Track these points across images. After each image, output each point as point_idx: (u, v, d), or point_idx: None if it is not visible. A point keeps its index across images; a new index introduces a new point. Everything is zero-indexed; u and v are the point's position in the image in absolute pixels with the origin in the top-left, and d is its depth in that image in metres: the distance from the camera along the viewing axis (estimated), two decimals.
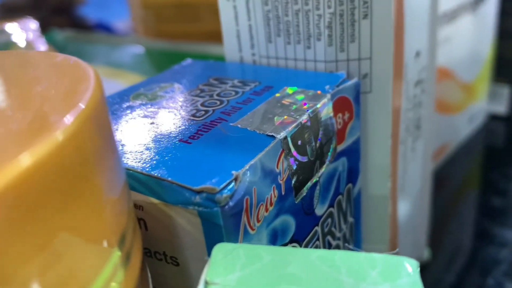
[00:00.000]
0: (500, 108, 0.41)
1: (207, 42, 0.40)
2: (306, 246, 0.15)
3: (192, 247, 0.12)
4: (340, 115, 0.16)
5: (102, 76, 0.36)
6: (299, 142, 0.14)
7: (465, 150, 0.37)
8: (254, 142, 0.13)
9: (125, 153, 0.13)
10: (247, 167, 0.12)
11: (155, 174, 0.12)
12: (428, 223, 0.25)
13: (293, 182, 0.14)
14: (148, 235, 0.13)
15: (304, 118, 0.14)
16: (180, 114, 0.15)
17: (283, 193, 0.14)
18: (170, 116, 0.15)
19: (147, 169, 0.12)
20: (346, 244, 0.18)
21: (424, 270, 0.25)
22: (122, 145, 0.14)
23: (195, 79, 0.18)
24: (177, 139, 0.14)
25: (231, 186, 0.12)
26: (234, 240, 0.12)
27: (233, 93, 0.17)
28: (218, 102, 0.16)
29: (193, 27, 0.43)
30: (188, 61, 0.21)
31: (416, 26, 0.19)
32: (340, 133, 0.16)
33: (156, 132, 0.14)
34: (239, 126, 0.14)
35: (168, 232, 0.13)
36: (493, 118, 0.41)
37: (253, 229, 0.12)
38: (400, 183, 0.20)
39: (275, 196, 0.13)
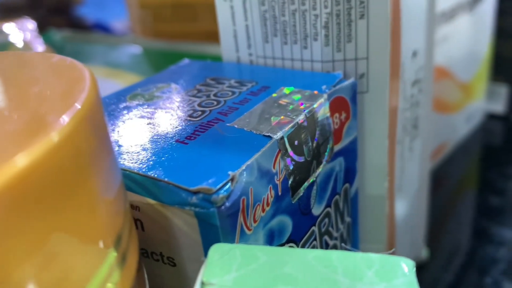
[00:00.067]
0: (498, 107, 0.41)
1: (205, 42, 0.40)
2: (303, 246, 0.15)
3: (189, 248, 0.12)
4: (337, 115, 0.16)
5: (100, 76, 0.36)
6: (296, 142, 0.14)
7: (463, 149, 0.37)
8: (250, 143, 0.13)
9: (122, 153, 0.13)
10: (243, 167, 0.12)
11: (152, 175, 0.12)
12: (426, 223, 0.25)
13: (290, 182, 0.14)
14: (145, 236, 0.13)
15: (300, 118, 0.14)
16: (177, 114, 0.15)
17: (279, 193, 0.14)
18: (167, 117, 0.15)
19: (144, 170, 0.12)
20: (343, 244, 0.18)
21: (422, 269, 0.25)
22: (119, 145, 0.14)
23: (192, 79, 0.18)
24: (173, 140, 0.14)
25: (227, 186, 0.12)
26: (231, 240, 0.12)
27: (230, 93, 0.17)
28: (215, 102, 0.16)
29: (191, 27, 0.43)
30: (185, 61, 0.21)
31: (413, 26, 0.19)
32: (337, 133, 0.16)
33: (152, 132, 0.14)
34: (236, 126, 0.14)
35: (165, 232, 0.13)
36: (491, 117, 0.42)
37: (249, 230, 0.13)
38: (398, 183, 0.20)
39: (271, 196, 0.13)
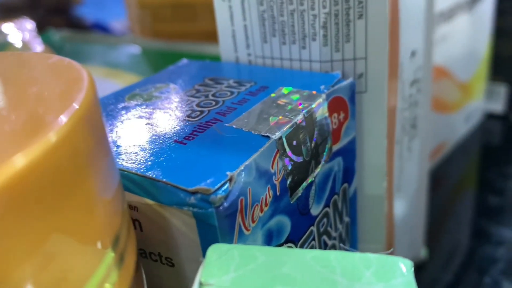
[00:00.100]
0: (497, 107, 0.41)
1: (204, 42, 0.40)
2: (301, 246, 0.15)
3: (187, 248, 0.12)
4: (335, 115, 0.16)
5: (99, 76, 0.36)
6: (294, 142, 0.14)
7: (462, 149, 0.37)
8: (249, 143, 0.13)
9: (120, 153, 0.13)
10: (242, 167, 0.12)
11: (150, 175, 0.12)
12: (425, 222, 0.25)
13: (288, 182, 0.14)
14: (143, 236, 0.13)
15: (299, 118, 0.14)
16: (175, 114, 0.15)
17: (278, 193, 0.14)
18: (165, 117, 0.15)
19: (142, 170, 0.12)
20: (341, 245, 0.18)
21: (421, 269, 0.26)
22: (117, 145, 0.14)
23: (191, 79, 0.18)
24: (172, 140, 0.14)
25: (225, 186, 0.12)
26: (229, 240, 0.12)
27: (229, 93, 0.17)
28: (214, 103, 0.16)
29: (190, 27, 0.43)
30: (184, 61, 0.21)
31: (412, 26, 0.19)
32: (335, 133, 0.16)
33: (151, 132, 0.14)
34: (234, 126, 0.14)
35: (163, 233, 0.13)
36: (490, 116, 0.42)
37: (248, 230, 0.13)
38: (396, 183, 0.20)
39: (270, 197, 0.13)
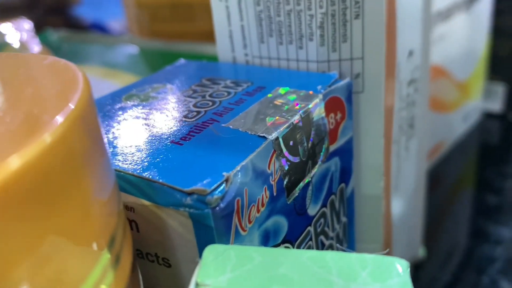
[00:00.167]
0: (495, 106, 0.41)
1: (202, 42, 0.40)
2: (298, 246, 0.15)
3: (184, 249, 0.12)
4: (332, 115, 0.16)
5: (97, 76, 0.36)
6: (291, 143, 0.14)
7: (460, 148, 0.37)
8: (245, 143, 0.13)
9: (117, 154, 0.13)
10: (238, 168, 0.12)
11: (146, 176, 0.12)
12: (423, 222, 0.25)
13: (285, 182, 0.14)
14: (140, 237, 0.13)
15: (296, 118, 0.14)
16: (172, 115, 0.15)
17: (275, 193, 0.14)
18: (162, 117, 0.15)
19: (138, 171, 0.12)
20: (338, 245, 0.18)
21: (419, 268, 0.26)
22: (114, 146, 0.14)
23: (188, 79, 0.18)
24: (168, 140, 0.14)
25: (222, 187, 0.12)
26: (226, 241, 0.12)
27: (226, 93, 0.17)
28: (210, 103, 0.16)
29: (188, 26, 0.43)
30: (181, 61, 0.21)
31: (409, 26, 0.19)
32: (332, 133, 0.16)
33: (147, 133, 0.14)
34: (231, 127, 0.14)
35: (160, 233, 0.13)
36: (488, 116, 0.42)
37: (244, 230, 0.12)
38: (394, 182, 0.20)
39: (266, 197, 0.13)
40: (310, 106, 0.15)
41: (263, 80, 0.17)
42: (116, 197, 0.11)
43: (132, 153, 0.13)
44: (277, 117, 0.14)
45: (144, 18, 0.45)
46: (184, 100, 0.16)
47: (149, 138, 0.14)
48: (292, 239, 0.15)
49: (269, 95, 0.16)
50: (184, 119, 0.15)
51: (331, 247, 0.18)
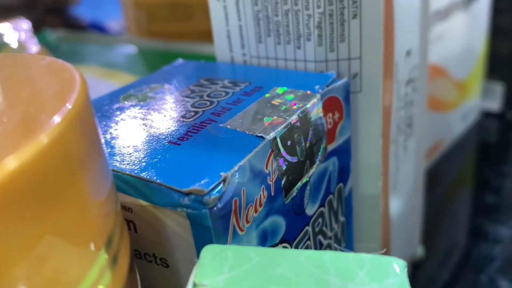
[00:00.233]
0: (493, 105, 0.41)
1: (201, 42, 0.40)
2: (296, 246, 0.15)
3: (182, 249, 0.12)
4: (330, 115, 0.16)
5: (95, 76, 0.36)
6: (289, 143, 0.14)
7: (459, 147, 0.37)
8: (243, 143, 0.13)
9: (114, 154, 0.13)
10: (236, 168, 0.12)
11: (144, 176, 0.12)
12: (421, 221, 0.25)
13: (282, 182, 0.14)
14: (137, 237, 0.13)
15: (293, 118, 0.14)
16: (169, 115, 0.15)
17: (272, 193, 0.14)
18: (159, 118, 0.15)
19: (136, 171, 0.12)
20: (335, 245, 0.18)
21: (418, 268, 0.26)
22: (111, 146, 0.14)
23: (186, 79, 0.18)
24: (166, 141, 0.14)
25: (219, 187, 0.12)
26: (223, 241, 0.12)
27: (223, 93, 0.17)
28: (208, 103, 0.16)
29: (186, 26, 0.43)
30: (179, 61, 0.21)
31: (407, 25, 0.19)
32: (330, 133, 0.16)
33: (145, 133, 0.14)
34: (229, 127, 0.14)
35: (158, 234, 0.13)
36: (486, 115, 0.42)
37: (242, 230, 0.13)
38: (392, 182, 0.20)
39: (264, 197, 0.13)
40: (308, 106, 0.15)
41: (261, 80, 0.17)
42: (113, 197, 0.11)
43: (130, 153, 0.13)
44: (275, 117, 0.14)
45: (143, 18, 0.45)
46: (182, 100, 0.16)
47: (147, 138, 0.14)
48: (290, 239, 0.15)
49: (267, 95, 0.16)
50: (182, 119, 0.15)
51: (329, 247, 0.18)
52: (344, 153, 0.17)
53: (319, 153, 0.16)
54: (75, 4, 0.59)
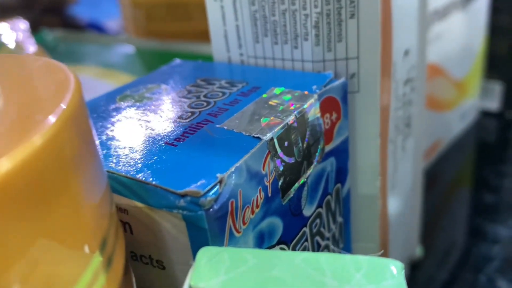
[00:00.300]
0: (492, 105, 0.41)
1: (199, 42, 0.40)
2: (294, 247, 0.15)
3: (178, 251, 0.12)
4: (327, 115, 0.16)
5: (93, 76, 0.36)
6: (286, 143, 0.14)
7: (457, 147, 0.37)
8: (240, 144, 0.13)
9: (110, 156, 0.13)
10: (232, 169, 0.12)
11: (140, 178, 0.12)
12: (420, 221, 0.25)
13: (280, 183, 0.14)
14: (133, 239, 0.13)
15: (290, 119, 0.14)
16: (166, 116, 0.15)
17: (269, 194, 0.14)
18: (156, 118, 0.15)
19: (132, 173, 0.12)
20: (332, 246, 0.18)
21: (417, 268, 0.25)
22: (107, 147, 0.14)
23: (183, 80, 0.18)
24: (162, 142, 0.14)
25: (215, 189, 0.12)
26: (220, 243, 0.12)
27: (220, 94, 0.16)
28: (205, 104, 0.16)
29: (184, 26, 0.43)
30: (177, 61, 0.21)
31: (405, 25, 0.19)
32: (328, 133, 0.16)
33: (141, 134, 0.14)
34: (225, 127, 0.14)
35: (154, 235, 0.13)
36: (485, 114, 0.42)
37: (239, 232, 0.12)
38: (391, 182, 0.20)
39: (261, 198, 0.13)
40: (305, 106, 0.15)
41: (258, 80, 0.17)
42: (108, 198, 0.11)
43: (126, 155, 0.13)
44: (272, 118, 0.14)
45: (141, 17, 0.45)
46: (179, 100, 0.16)
47: (143, 139, 0.14)
48: (287, 240, 0.15)
49: (264, 95, 0.16)
50: (178, 120, 0.15)
51: (327, 248, 0.17)
52: (342, 154, 0.17)
53: (317, 154, 0.16)
54: (73, 4, 0.59)
